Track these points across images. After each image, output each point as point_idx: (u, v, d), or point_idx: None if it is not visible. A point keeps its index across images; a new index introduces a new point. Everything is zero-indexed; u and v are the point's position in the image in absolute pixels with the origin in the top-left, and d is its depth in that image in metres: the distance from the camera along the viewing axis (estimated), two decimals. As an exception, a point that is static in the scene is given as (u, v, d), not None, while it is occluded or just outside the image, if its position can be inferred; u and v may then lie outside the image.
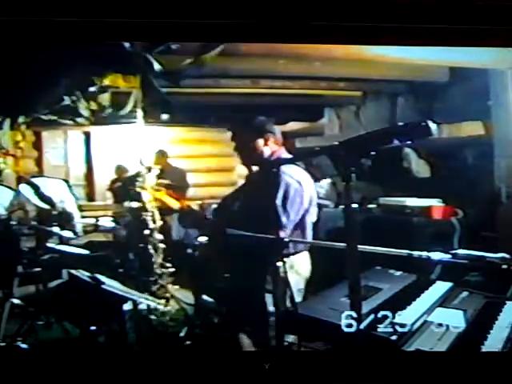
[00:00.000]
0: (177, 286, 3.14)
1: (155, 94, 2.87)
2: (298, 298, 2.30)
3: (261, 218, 2.36)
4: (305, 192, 2.45)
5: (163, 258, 2.97)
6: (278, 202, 2.39)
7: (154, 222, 3.02)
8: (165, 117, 3.10)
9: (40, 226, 3.08)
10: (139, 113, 2.98)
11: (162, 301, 2.82)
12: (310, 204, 2.49)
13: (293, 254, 2.40)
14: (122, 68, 2.80)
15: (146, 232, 2.98)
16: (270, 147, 2.53)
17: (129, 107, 2.95)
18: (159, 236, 3.03)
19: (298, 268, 2.44)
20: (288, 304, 2.19)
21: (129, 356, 2.01)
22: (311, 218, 2.51)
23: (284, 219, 2.39)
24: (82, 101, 3.04)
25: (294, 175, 2.43)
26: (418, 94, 3.78)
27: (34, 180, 3.38)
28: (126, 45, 2.61)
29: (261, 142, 2.53)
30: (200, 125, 4.27)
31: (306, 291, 2.49)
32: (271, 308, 2.28)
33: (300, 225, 2.46)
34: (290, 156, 2.55)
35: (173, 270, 2.97)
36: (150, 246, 2.96)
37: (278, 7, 1.90)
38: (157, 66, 2.63)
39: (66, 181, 3.80)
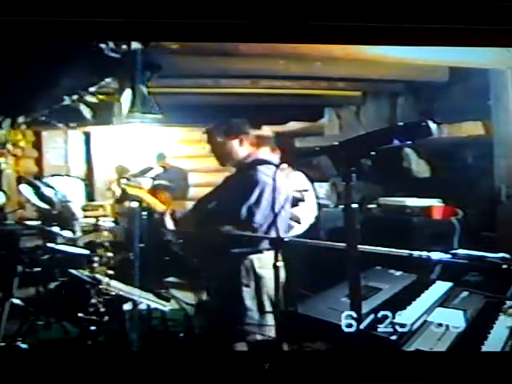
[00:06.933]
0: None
1: (146, 95, 2.88)
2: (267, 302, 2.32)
3: (236, 218, 2.37)
4: (280, 189, 2.42)
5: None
6: (253, 200, 2.38)
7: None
8: (156, 117, 3.07)
9: (40, 226, 3.08)
10: (137, 113, 2.97)
11: (162, 301, 2.81)
12: (286, 201, 2.46)
13: (259, 253, 2.39)
14: (118, 69, 2.80)
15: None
16: (246, 148, 2.52)
17: (126, 108, 2.94)
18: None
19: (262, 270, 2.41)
20: (266, 301, 2.29)
21: (129, 356, 2.01)
22: (285, 217, 2.49)
23: (259, 217, 2.37)
24: (80, 101, 3.04)
25: (269, 173, 2.41)
26: (418, 94, 3.77)
27: (51, 179, 3.37)
28: (123, 45, 2.61)
29: (235, 142, 2.52)
30: (200, 125, 4.27)
31: (286, 294, 2.45)
32: (248, 302, 2.30)
33: (273, 224, 2.44)
34: (266, 157, 2.52)
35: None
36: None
37: (278, 7, 1.90)
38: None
39: (84, 180, 3.82)
